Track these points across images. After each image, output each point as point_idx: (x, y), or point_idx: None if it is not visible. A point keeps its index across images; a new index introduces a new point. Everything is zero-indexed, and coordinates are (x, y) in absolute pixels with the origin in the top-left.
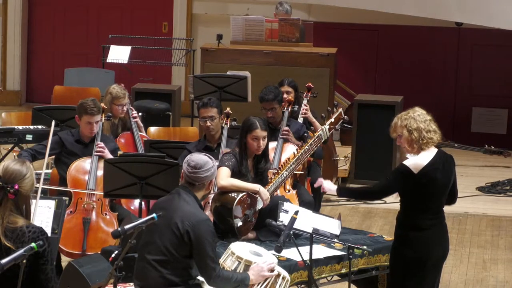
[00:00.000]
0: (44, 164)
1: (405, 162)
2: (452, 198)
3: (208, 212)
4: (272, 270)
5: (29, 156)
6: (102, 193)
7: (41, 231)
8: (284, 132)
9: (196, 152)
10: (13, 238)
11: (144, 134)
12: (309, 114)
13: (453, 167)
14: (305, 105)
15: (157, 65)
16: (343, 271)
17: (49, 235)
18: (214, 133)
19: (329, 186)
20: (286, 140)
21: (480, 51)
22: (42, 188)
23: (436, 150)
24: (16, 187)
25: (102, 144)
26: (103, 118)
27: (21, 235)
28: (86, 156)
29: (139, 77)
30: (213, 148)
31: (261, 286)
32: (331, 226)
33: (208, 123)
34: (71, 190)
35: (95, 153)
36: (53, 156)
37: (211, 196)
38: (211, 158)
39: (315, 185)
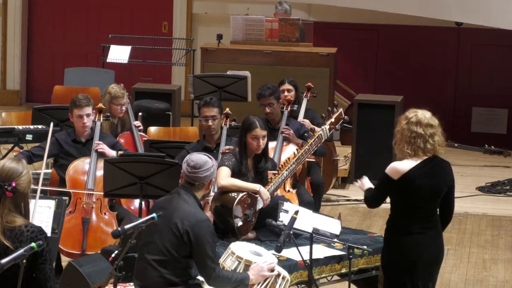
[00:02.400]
0: (43, 164)
1: (386, 169)
2: (446, 214)
3: (208, 213)
4: (272, 270)
5: (25, 158)
6: (101, 193)
7: (39, 230)
8: (284, 130)
9: (196, 152)
10: (11, 237)
11: (143, 134)
12: (308, 123)
13: (445, 173)
14: (303, 121)
15: (157, 65)
16: (343, 271)
17: (49, 235)
18: (214, 133)
19: (366, 184)
20: (287, 139)
21: (480, 51)
22: (42, 188)
23: (426, 156)
24: (14, 184)
25: (100, 142)
26: (101, 118)
27: (20, 235)
28: (83, 155)
29: (139, 77)
30: (212, 149)
31: (261, 286)
32: (331, 226)
33: (210, 123)
34: (70, 190)
35: (95, 150)
36: (52, 158)
37: (211, 196)
38: (210, 158)
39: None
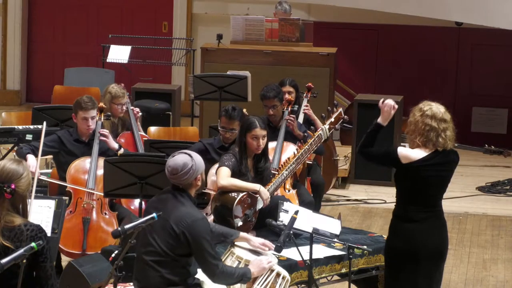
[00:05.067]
0: (37, 163)
1: (399, 148)
2: None
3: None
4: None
5: (29, 150)
6: (102, 194)
7: (39, 228)
8: (289, 118)
9: (177, 152)
10: (11, 237)
11: (144, 133)
12: (311, 112)
13: (454, 164)
14: (306, 104)
15: (157, 65)
16: (343, 270)
17: (49, 235)
18: (230, 142)
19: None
20: (289, 133)
21: (480, 51)
22: (42, 185)
23: (435, 148)
24: (13, 186)
25: (105, 130)
26: (102, 118)
27: (20, 234)
28: (85, 155)
29: (139, 77)
30: (227, 148)
31: (261, 286)
32: (331, 226)
33: (228, 134)
34: (71, 186)
35: (99, 138)
36: (51, 156)
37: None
38: (190, 156)
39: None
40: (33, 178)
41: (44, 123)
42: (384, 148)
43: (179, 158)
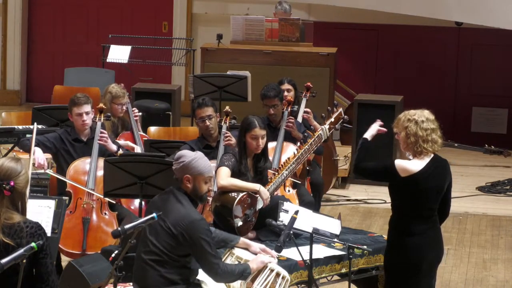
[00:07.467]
0: (30, 164)
1: (396, 161)
2: (444, 212)
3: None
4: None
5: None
6: (102, 196)
7: (38, 226)
8: (289, 121)
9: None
10: (11, 234)
11: (143, 133)
12: (311, 117)
13: (447, 172)
14: (307, 111)
15: (157, 65)
16: (343, 270)
17: (49, 235)
18: (213, 132)
19: (371, 131)
20: (289, 133)
21: (480, 51)
22: (42, 185)
23: (431, 156)
24: (12, 183)
25: (104, 132)
26: (102, 118)
27: (19, 231)
28: (84, 155)
29: (139, 77)
30: (213, 147)
31: (261, 286)
32: (331, 225)
33: (207, 123)
34: (72, 183)
35: (98, 142)
36: (51, 156)
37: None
38: (190, 153)
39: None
40: (38, 171)
41: (35, 124)
42: (380, 163)
43: (184, 151)
